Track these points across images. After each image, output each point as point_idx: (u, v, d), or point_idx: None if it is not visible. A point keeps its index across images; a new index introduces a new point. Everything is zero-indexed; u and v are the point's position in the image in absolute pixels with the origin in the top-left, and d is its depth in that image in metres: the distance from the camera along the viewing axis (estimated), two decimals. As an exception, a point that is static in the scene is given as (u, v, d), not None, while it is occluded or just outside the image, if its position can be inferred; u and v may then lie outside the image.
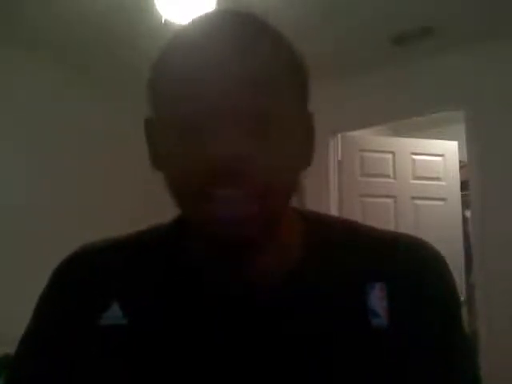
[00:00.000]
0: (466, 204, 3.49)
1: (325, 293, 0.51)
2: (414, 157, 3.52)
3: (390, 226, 3.25)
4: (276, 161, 0.46)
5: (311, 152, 0.54)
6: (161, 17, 2.34)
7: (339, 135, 3.51)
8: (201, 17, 0.50)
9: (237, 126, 0.44)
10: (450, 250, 3.48)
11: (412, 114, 3.29)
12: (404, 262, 0.53)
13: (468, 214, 3.49)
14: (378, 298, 0.51)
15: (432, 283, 0.53)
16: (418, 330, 0.51)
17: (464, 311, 3.54)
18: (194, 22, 0.50)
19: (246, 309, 0.51)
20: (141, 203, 3.38)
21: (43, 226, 2.93)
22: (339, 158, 3.50)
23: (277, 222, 0.50)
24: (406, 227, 3.23)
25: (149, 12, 2.45)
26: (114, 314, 0.52)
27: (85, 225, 3.04)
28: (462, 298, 3.30)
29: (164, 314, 0.52)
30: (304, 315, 0.50)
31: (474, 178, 2.95)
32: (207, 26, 0.49)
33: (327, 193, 3.42)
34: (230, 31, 0.47)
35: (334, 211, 3.34)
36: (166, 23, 2.37)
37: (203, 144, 0.44)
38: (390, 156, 3.50)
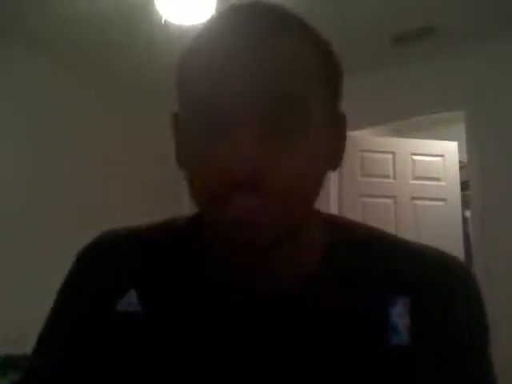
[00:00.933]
0: (466, 204, 3.49)
1: (342, 303, 0.49)
2: (414, 157, 3.51)
3: (390, 226, 3.25)
4: (300, 166, 0.44)
5: (341, 154, 0.52)
6: (161, 17, 2.34)
7: (339, 135, 3.50)
8: (223, 12, 0.49)
9: (260, 127, 0.43)
10: (450, 250, 3.45)
11: (412, 114, 3.29)
12: (431, 277, 0.50)
13: (468, 214, 3.49)
14: (400, 314, 0.48)
15: (459, 304, 0.49)
16: (438, 351, 0.48)
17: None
18: (215, 18, 0.49)
19: (255, 314, 0.50)
20: (141, 203, 3.38)
21: (43, 227, 2.93)
22: (339, 158, 3.49)
23: (298, 226, 0.48)
24: (406, 227, 3.23)
25: (149, 12, 2.45)
26: (130, 300, 0.53)
27: (85, 226, 3.04)
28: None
29: (176, 309, 0.52)
30: (317, 324, 0.49)
31: (474, 177, 2.95)
32: (230, 23, 0.47)
33: (327, 193, 3.42)
34: (252, 27, 0.45)
35: (333, 211, 3.34)
36: (166, 23, 2.38)
37: (226, 146, 0.43)
38: (390, 156, 3.50)
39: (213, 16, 0.50)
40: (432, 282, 0.50)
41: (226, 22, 0.47)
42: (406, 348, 0.47)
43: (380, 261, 0.51)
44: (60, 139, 3.12)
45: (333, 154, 0.51)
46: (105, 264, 0.56)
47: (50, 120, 3.08)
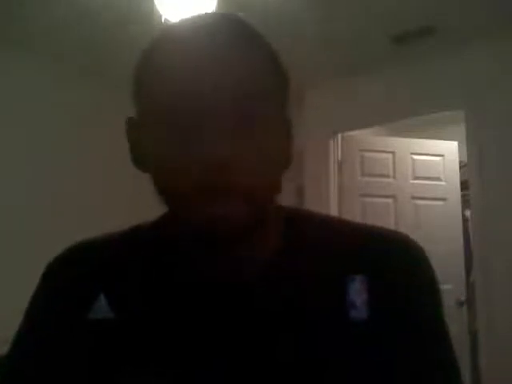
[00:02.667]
0: (466, 204, 3.49)
1: (301, 284, 0.52)
2: (414, 157, 3.52)
3: (390, 226, 3.22)
4: (261, 161, 0.47)
5: (290, 156, 0.55)
6: (161, 17, 2.34)
7: (339, 135, 3.51)
8: (188, 18, 0.51)
9: (222, 126, 0.45)
10: (450, 249, 3.49)
11: (412, 114, 3.28)
12: (386, 256, 0.54)
13: (468, 213, 3.49)
14: (357, 291, 0.51)
15: (410, 274, 0.53)
16: (395, 325, 0.51)
17: (464, 311, 3.54)
18: (181, 22, 0.51)
19: (225, 299, 0.52)
20: (142, 203, 3.38)
21: (44, 227, 2.93)
22: (339, 158, 3.50)
23: (263, 218, 0.51)
24: (406, 227, 3.23)
25: (149, 12, 2.45)
26: (101, 307, 0.53)
27: (85, 226, 3.04)
28: (463, 298, 3.30)
29: (149, 307, 0.53)
30: (279, 306, 0.51)
31: (474, 178, 2.94)
32: (195, 27, 0.49)
33: (327, 193, 3.42)
34: (218, 32, 0.48)
35: (334, 211, 3.34)
36: (166, 23, 2.37)
37: (190, 145, 0.45)
38: (389, 156, 3.50)
39: (181, 19, 0.52)
40: (386, 259, 0.53)
41: (192, 28, 0.49)
42: (364, 323, 0.50)
43: (337, 244, 0.55)
44: (60, 139, 3.12)
45: (285, 153, 0.54)
46: (71, 275, 0.56)
47: (49, 120, 3.08)
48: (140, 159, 0.54)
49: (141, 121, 0.52)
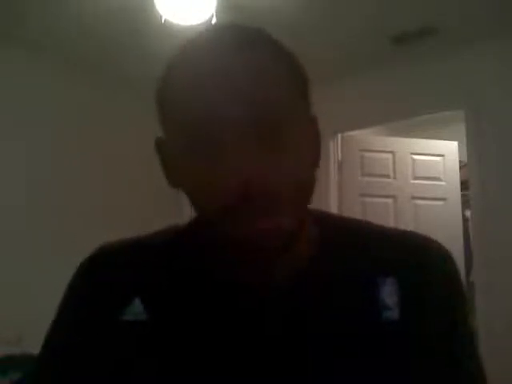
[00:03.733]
0: (466, 204, 3.49)
1: (337, 288, 0.53)
2: (414, 157, 3.52)
3: (390, 226, 3.24)
4: (292, 170, 0.47)
5: (319, 154, 0.55)
6: (161, 17, 2.34)
7: (339, 135, 3.51)
8: (205, 31, 0.51)
9: (250, 138, 0.45)
10: (450, 249, 3.46)
11: (412, 114, 3.29)
12: (414, 258, 0.55)
13: (468, 213, 3.49)
14: (389, 293, 0.53)
15: (438, 280, 0.55)
16: (424, 325, 0.52)
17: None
18: (200, 35, 0.51)
19: (262, 305, 0.52)
20: (143, 204, 3.38)
21: (44, 228, 2.93)
22: (339, 158, 3.50)
23: (300, 228, 0.51)
24: (406, 227, 3.19)
25: (149, 12, 2.45)
26: (136, 309, 0.54)
27: (86, 226, 3.04)
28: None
29: (183, 312, 0.53)
30: (316, 310, 0.52)
31: (474, 177, 2.95)
32: (213, 39, 0.49)
33: (327, 193, 3.42)
34: (237, 46, 0.48)
35: (333, 211, 3.34)
36: (166, 23, 2.38)
37: (218, 160, 0.45)
38: (390, 156, 3.50)
39: (191, 38, 0.51)
40: (414, 261, 0.55)
41: (208, 44, 0.49)
42: (396, 323, 0.52)
43: (367, 248, 0.56)
44: (60, 139, 3.12)
45: (314, 151, 0.54)
46: (105, 277, 0.57)
47: (49, 120, 3.08)
48: (171, 176, 0.54)
49: (167, 140, 0.52)
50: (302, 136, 0.50)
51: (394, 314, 0.52)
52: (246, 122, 0.45)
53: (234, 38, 0.49)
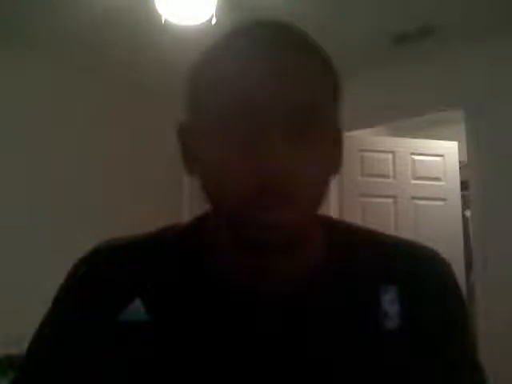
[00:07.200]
0: (466, 204, 3.49)
1: (341, 298, 0.53)
2: (414, 157, 3.52)
3: (390, 226, 3.25)
4: (319, 171, 0.48)
5: (341, 159, 0.56)
6: (161, 17, 2.34)
7: (339, 135, 3.51)
8: (242, 26, 0.52)
9: (274, 137, 0.45)
10: (450, 249, 3.47)
11: (412, 114, 3.28)
12: (415, 268, 0.56)
13: (468, 213, 3.49)
14: (390, 301, 0.53)
15: (438, 291, 0.55)
16: (425, 333, 0.53)
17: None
18: (235, 29, 0.51)
19: (269, 310, 0.52)
20: (143, 205, 3.38)
21: (44, 227, 2.93)
22: (339, 158, 3.50)
23: (309, 227, 0.52)
24: (406, 227, 3.23)
25: (149, 12, 2.45)
26: (136, 309, 0.52)
27: (86, 226, 3.04)
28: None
29: (188, 314, 0.52)
30: (318, 320, 0.52)
31: (474, 178, 2.94)
32: (251, 37, 0.49)
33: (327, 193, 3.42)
34: (273, 42, 0.48)
35: (334, 211, 3.34)
36: (166, 23, 2.37)
37: (244, 154, 0.45)
38: (390, 156, 3.50)
39: (228, 31, 0.52)
40: (416, 272, 0.56)
41: (246, 37, 0.50)
42: (397, 332, 0.52)
43: (372, 257, 0.56)
44: (60, 138, 3.12)
45: (336, 159, 0.55)
46: (104, 274, 0.55)
47: (49, 120, 3.08)
48: (190, 162, 0.54)
49: (194, 126, 0.52)
50: (328, 141, 0.50)
51: (394, 322, 0.52)
52: (273, 121, 0.45)
53: (281, 37, 0.49)
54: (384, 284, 0.54)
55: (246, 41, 0.49)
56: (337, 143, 0.55)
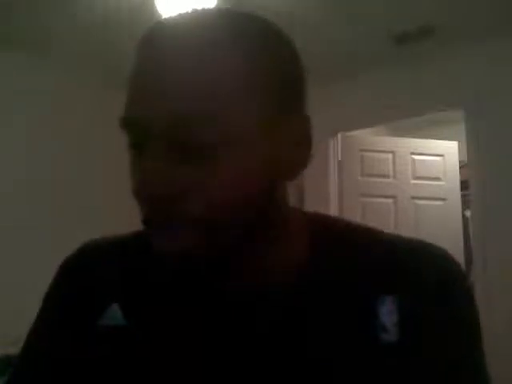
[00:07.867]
0: (465, 204, 3.49)
1: (331, 303, 0.48)
2: (414, 157, 3.52)
3: (390, 226, 3.25)
4: (220, 190, 0.41)
5: (300, 161, 0.48)
6: (161, 17, 2.33)
7: (339, 135, 3.51)
8: (180, 15, 0.45)
9: (168, 148, 0.41)
10: (450, 250, 3.44)
11: (412, 114, 3.29)
12: (418, 273, 0.49)
13: (468, 213, 3.49)
14: (388, 312, 0.48)
15: (450, 300, 0.49)
16: (427, 347, 0.47)
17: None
18: (168, 20, 0.45)
19: (247, 315, 0.49)
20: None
21: (44, 228, 2.93)
22: (339, 158, 3.50)
23: (238, 248, 0.46)
24: (406, 227, 3.23)
25: (149, 12, 2.45)
26: (114, 314, 0.51)
27: (86, 226, 3.04)
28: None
29: (166, 318, 0.51)
30: (306, 326, 0.48)
31: (474, 178, 2.94)
32: (158, 35, 0.44)
33: (327, 193, 3.42)
34: (174, 41, 0.42)
35: (334, 211, 3.34)
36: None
37: (134, 171, 0.44)
38: (389, 156, 3.50)
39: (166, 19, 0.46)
40: (419, 277, 0.49)
41: (155, 37, 0.44)
42: (395, 346, 0.47)
43: (366, 260, 0.50)
44: (60, 139, 3.12)
45: (286, 162, 0.46)
46: (86, 278, 0.55)
47: (49, 121, 3.08)
48: None
49: None
50: (253, 147, 0.43)
51: (392, 336, 0.47)
52: (161, 127, 0.40)
53: (187, 31, 0.42)
54: (382, 292, 0.48)
55: (152, 41, 0.44)
56: (287, 139, 0.46)
